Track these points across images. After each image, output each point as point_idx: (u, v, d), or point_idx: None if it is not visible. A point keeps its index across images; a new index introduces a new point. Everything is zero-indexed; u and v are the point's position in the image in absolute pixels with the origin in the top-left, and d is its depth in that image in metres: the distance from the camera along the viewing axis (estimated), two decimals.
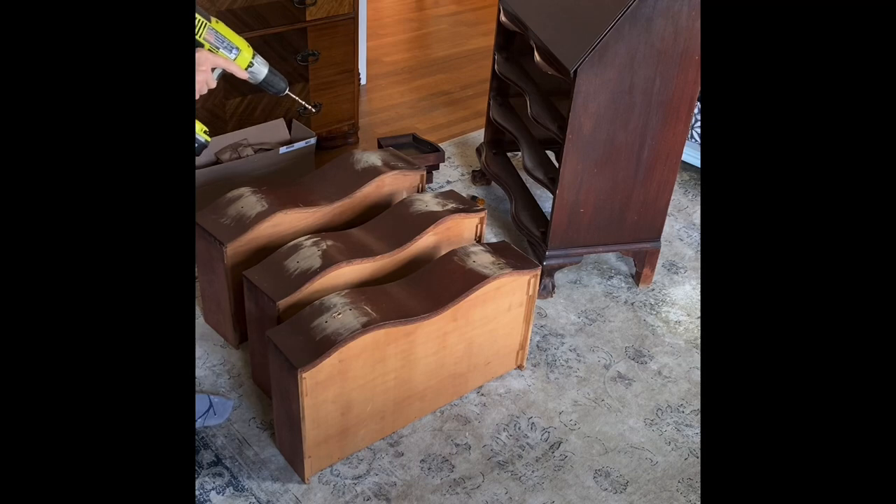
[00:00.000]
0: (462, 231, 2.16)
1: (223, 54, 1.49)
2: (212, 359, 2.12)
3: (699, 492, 1.86)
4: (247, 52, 1.53)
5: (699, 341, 2.32)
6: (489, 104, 2.84)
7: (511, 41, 2.75)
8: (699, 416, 2.07)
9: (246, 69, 1.55)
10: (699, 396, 2.13)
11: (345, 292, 1.83)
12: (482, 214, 2.17)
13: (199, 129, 1.52)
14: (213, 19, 1.47)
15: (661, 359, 2.26)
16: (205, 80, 1.45)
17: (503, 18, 2.58)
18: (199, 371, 2.08)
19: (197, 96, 1.44)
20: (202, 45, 1.45)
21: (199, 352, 2.14)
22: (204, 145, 1.53)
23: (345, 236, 2.03)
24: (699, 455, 1.95)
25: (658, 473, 1.90)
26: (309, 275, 1.85)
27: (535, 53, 2.26)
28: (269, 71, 1.60)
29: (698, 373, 2.21)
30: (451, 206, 2.16)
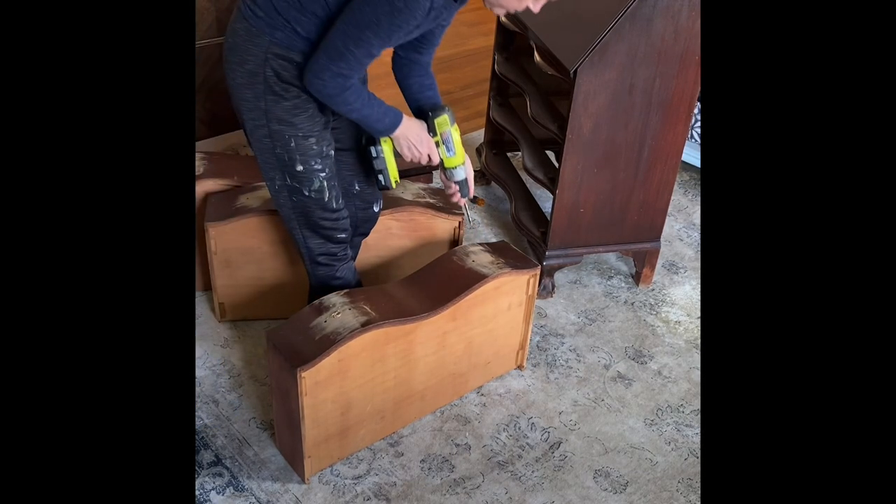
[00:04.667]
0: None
1: (442, 150, 1.82)
2: (212, 359, 2.12)
3: (699, 492, 1.86)
4: (459, 159, 1.85)
5: (699, 341, 2.31)
6: (489, 104, 2.84)
7: (511, 41, 2.75)
8: (699, 416, 2.07)
9: (448, 167, 1.86)
10: (699, 396, 2.13)
11: (344, 292, 1.83)
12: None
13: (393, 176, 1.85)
14: (455, 126, 1.81)
15: (661, 359, 2.26)
16: (427, 154, 1.79)
17: (503, 18, 2.58)
18: (199, 371, 2.08)
19: (422, 161, 1.80)
20: (437, 133, 1.80)
21: (199, 352, 2.14)
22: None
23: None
24: (699, 455, 1.95)
25: (658, 473, 1.90)
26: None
27: (535, 53, 2.26)
28: (465, 178, 1.90)
29: (698, 373, 2.21)
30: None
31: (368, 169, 1.89)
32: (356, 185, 1.91)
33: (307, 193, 1.74)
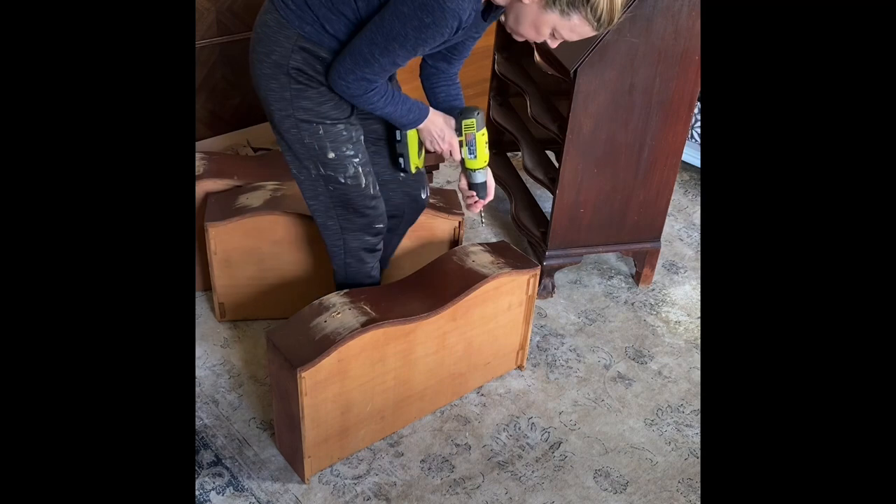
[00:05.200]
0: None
1: (465, 150, 1.82)
2: (212, 359, 2.12)
3: (699, 492, 1.86)
4: (481, 163, 1.86)
5: (699, 341, 2.31)
6: (489, 104, 2.84)
7: (511, 41, 2.75)
8: (699, 416, 2.07)
9: (468, 168, 1.87)
10: (699, 396, 2.13)
11: (344, 292, 1.83)
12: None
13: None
14: (483, 131, 1.81)
15: (661, 359, 2.26)
16: (448, 150, 1.81)
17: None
18: (199, 371, 2.08)
19: (444, 155, 1.83)
20: (462, 134, 1.81)
21: (199, 352, 2.14)
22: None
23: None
24: (699, 455, 1.95)
25: (658, 473, 1.90)
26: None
27: (535, 53, 2.26)
28: (485, 182, 1.90)
29: (698, 373, 2.21)
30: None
31: (392, 151, 1.90)
32: (399, 173, 1.92)
33: (343, 181, 1.73)
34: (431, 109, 1.77)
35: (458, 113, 1.81)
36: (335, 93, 1.64)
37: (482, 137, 1.81)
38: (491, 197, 1.94)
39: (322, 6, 1.55)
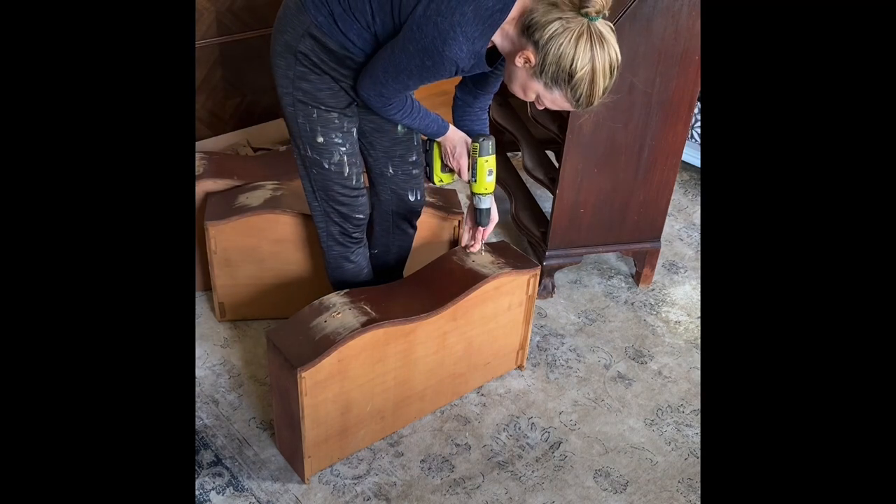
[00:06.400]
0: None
1: (468, 174, 1.88)
2: (212, 359, 2.12)
3: (699, 492, 1.86)
4: (479, 188, 1.89)
5: (699, 341, 2.31)
6: (489, 104, 2.84)
7: None
8: (699, 416, 2.07)
9: (471, 191, 1.91)
10: (699, 396, 2.13)
11: (344, 291, 1.83)
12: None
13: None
14: (487, 158, 1.84)
15: (661, 359, 2.26)
16: (457, 167, 1.88)
17: None
18: (199, 371, 2.08)
19: (455, 171, 1.90)
20: (476, 154, 1.85)
21: (199, 352, 2.14)
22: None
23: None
24: (699, 455, 1.95)
25: (658, 473, 1.90)
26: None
27: None
28: (488, 209, 1.94)
29: (698, 373, 2.21)
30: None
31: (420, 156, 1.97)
32: (389, 167, 1.95)
33: (327, 166, 1.79)
34: (452, 128, 1.85)
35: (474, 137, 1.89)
36: (336, 79, 1.69)
37: (484, 164, 1.85)
38: (491, 228, 1.97)
39: (338, 4, 1.60)
